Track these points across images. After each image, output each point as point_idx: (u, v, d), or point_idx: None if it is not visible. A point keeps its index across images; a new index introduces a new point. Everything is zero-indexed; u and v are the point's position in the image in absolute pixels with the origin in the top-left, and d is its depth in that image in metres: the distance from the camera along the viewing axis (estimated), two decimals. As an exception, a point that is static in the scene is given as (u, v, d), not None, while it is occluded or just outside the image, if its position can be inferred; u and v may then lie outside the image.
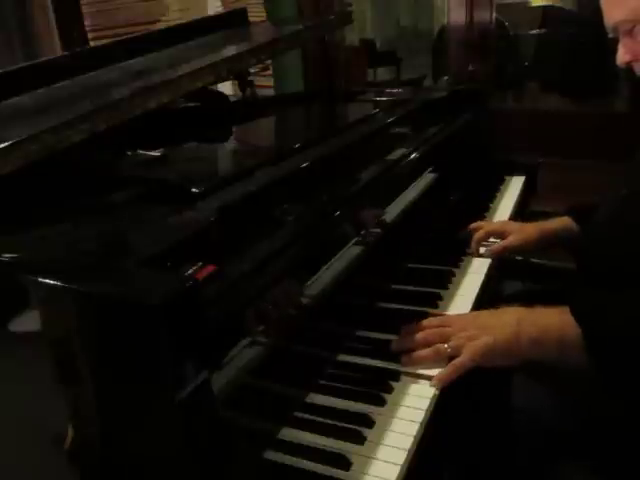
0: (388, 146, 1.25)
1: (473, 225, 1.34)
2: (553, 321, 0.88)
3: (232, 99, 1.60)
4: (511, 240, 1.26)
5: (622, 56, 1.00)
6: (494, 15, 2.58)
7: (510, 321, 0.90)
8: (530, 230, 1.28)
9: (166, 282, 0.60)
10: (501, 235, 1.29)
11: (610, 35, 1.00)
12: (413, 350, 0.92)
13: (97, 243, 0.74)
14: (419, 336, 0.93)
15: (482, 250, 1.28)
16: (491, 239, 1.31)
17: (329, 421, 0.82)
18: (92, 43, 2.02)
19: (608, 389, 0.88)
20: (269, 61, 2.22)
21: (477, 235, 1.29)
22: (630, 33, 0.96)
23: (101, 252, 0.71)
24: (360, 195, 1.04)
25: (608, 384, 0.87)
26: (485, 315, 0.96)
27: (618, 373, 0.85)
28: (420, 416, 0.82)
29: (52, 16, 1.83)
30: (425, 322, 0.96)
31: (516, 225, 1.30)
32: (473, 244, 1.28)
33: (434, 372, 0.89)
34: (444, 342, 0.91)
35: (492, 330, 0.90)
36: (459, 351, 0.89)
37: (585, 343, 0.84)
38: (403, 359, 0.92)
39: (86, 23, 2.01)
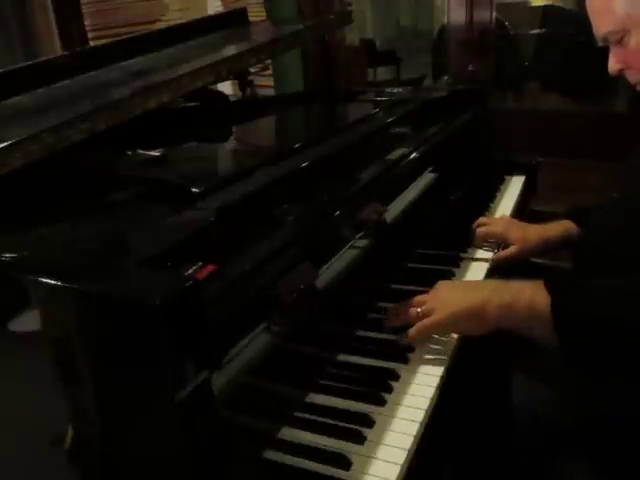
0: (388, 146, 1.25)
1: (481, 220, 1.35)
2: (525, 290, 0.90)
3: (232, 99, 1.60)
4: (512, 251, 1.26)
5: (613, 65, 1.02)
6: (494, 15, 2.57)
7: (483, 288, 0.94)
8: (533, 238, 1.28)
9: (166, 282, 0.60)
10: (503, 240, 1.29)
11: (600, 44, 1.02)
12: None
13: (97, 243, 0.74)
14: (401, 305, 0.99)
15: (483, 250, 1.29)
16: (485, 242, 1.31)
17: (329, 421, 0.82)
18: (92, 43, 2.02)
19: (568, 365, 0.88)
20: (269, 61, 2.22)
21: (479, 233, 1.30)
22: (620, 42, 0.98)
23: (101, 252, 0.71)
24: (360, 195, 1.04)
25: (568, 360, 0.87)
26: (462, 284, 1.00)
27: (580, 350, 0.85)
28: (420, 416, 0.82)
29: (52, 16, 1.83)
30: (416, 297, 1.00)
31: (519, 232, 1.29)
32: (476, 240, 1.30)
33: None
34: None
35: (464, 295, 0.93)
36: (431, 313, 0.93)
37: (552, 314, 0.85)
38: (387, 324, 0.99)
39: (86, 23, 2.02)
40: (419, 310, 0.95)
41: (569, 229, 1.27)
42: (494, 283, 0.97)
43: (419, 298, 0.98)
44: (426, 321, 0.93)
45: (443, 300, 0.94)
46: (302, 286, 0.85)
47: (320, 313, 0.92)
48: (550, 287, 0.88)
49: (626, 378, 0.87)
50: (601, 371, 0.88)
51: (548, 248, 1.29)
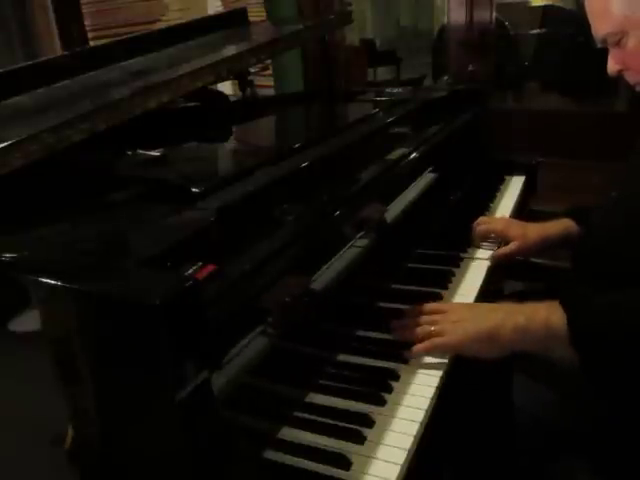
0: (388, 146, 1.25)
1: (481, 219, 1.35)
2: (540, 311, 0.89)
3: (232, 99, 1.60)
4: (512, 248, 1.26)
5: (612, 66, 1.03)
6: (494, 15, 2.57)
7: (497, 311, 0.93)
8: (532, 236, 1.27)
9: (166, 282, 0.60)
10: (503, 238, 1.29)
11: (599, 46, 1.03)
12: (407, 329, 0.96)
13: (97, 243, 0.74)
14: (413, 318, 0.97)
15: (483, 250, 1.29)
16: (492, 235, 1.31)
17: (329, 421, 0.82)
18: (92, 43, 2.02)
19: (590, 383, 0.88)
20: (269, 61, 2.22)
21: (479, 230, 1.30)
22: (618, 43, 0.99)
23: (101, 252, 0.71)
24: (360, 195, 1.04)
25: (589, 378, 0.87)
26: (476, 307, 0.99)
27: (599, 367, 0.85)
28: (420, 416, 0.82)
29: (52, 16, 1.83)
30: (425, 305, 1.00)
31: (519, 230, 1.29)
32: (475, 239, 1.30)
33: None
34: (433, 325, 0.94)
35: (477, 319, 0.92)
36: (443, 334, 0.92)
37: (569, 332, 0.85)
38: (394, 335, 0.98)
39: (86, 23, 2.02)
40: (432, 329, 0.93)
41: (569, 228, 1.27)
42: (508, 306, 0.95)
43: (429, 317, 0.96)
44: (437, 341, 0.92)
45: (456, 322, 0.93)
46: (302, 286, 0.85)
47: (320, 313, 0.92)
48: (566, 305, 0.87)
49: None
50: (622, 387, 0.87)
51: (548, 246, 1.29)
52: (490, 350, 0.90)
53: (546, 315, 0.87)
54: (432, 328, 0.93)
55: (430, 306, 1.00)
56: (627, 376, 0.85)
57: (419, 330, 0.94)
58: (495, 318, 0.90)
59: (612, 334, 0.85)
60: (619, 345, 0.84)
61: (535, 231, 1.28)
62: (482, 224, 1.33)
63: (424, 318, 0.96)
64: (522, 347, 0.90)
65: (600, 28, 0.99)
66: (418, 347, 0.92)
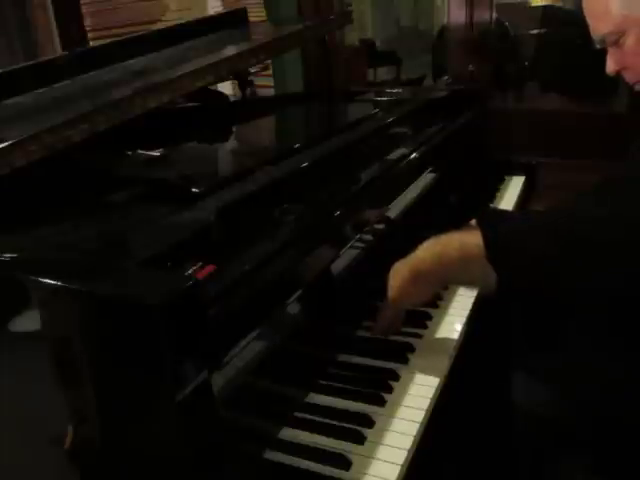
0: (388, 146, 1.25)
1: (474, 222, 1.34)
2: (454, 235, 0.90)
3: (232, 99, 1.60)
4: None
5: (611, 66, 1.03)
6: (494, 15, 2.58)
7: (419, 248, 0.94)
8: None
9: (166, 282, 0.60)
10: None
11: (597, 46, 1.03)
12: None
13: (97, 243, 0.74)
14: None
15: None
16: None
17: (329, 421, 0.82)
18: (92, 43, 2.02)
19: (507, 299, 0.89)
20: (269, 61, 2.22)
21: None
22: (617, 43, 0.99)
23: (101, 252, 0.71)
24: (360, 195, 1.04)
25: (505, 295, 0.88)
26: (404, 259, 0.98)
27: (516, 281, 0.85)
28: (420, 416, 0.82)
29: (52, 16, 1.83)
30: None
31: None
32: None
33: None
34: None
35: (402, 266, 0.94)
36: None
37: (484, 246, 0.84)
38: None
39: (86, 23, 2.01)
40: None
41: None
42: (427, 242, 0.95)
43: None
44: (383, 305, 0.95)
45: (389, 282, 0.95)
46: (302, 286, 0.85)
47: (320, 313, 0.92)
48: (480, 221, 0.88)
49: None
50: (538, 299, 0.89)
51: None
52: (420, 289, 0.93)
53: (460, 237, 0.89)
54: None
55: None
56: (545, 289, 0.86)
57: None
58: (415, 258, 0.92)
59: (528, 242, 0.84)
60: (535, 253, 0.83)
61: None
62: None
63: None
64: (444, 276, 0.91)
65: (599, 28, 1.00)
66: (375, 324, 0.97)
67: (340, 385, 0.89)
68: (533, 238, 0.84)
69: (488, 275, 0.85)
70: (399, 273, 0.94)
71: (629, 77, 1.02)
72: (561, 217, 0.85)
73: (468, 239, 0.87)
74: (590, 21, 1.01)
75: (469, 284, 0.90)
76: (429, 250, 0.91)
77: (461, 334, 1.01)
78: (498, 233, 0.86)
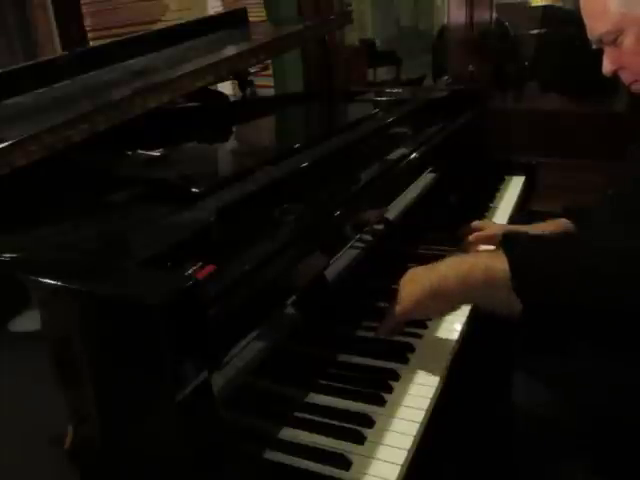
0: (388, 146, 1.25)
1: (475, 223, 1.33)
2: (481, 257, 0.90)
3: (232, 99, 1.60)
4: None
5: (607, 66, 1.02)
6: (494, 15, 2.58)
7: (440, 266, 0.92)
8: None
9: (166, 282, 0.60)
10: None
11: (594, 46, 1.02)
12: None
13: (97, 243, 0.74)
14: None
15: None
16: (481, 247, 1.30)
17: (329, 421, 0.82)
18: (92, 43, 2.02)
19: (531, 330, 0.88)
20: (269, 61, 2.22)
21: (469, 240, 1.29)
22: (614, 43, 0.98)
23: (101, 252, 0.71)
24: (360, 195, 1.04)
25: (530, 320, 0.86)
26: (420, 268, 0.97)
27: (541, 312, 0.84)
28: (420, 416, 0.82)
29: (52, 16, 1.83)
30: None
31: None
32: (467, 248, 1.28)
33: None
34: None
35: (422, 278, 0.92)
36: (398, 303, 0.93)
37: (510, 274, 0.83)
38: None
39: (86, 23, 2.02)
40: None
41: (566, 227, 1.27)
42: (450, 259, 0.94)
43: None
44: (392, 311, 0.93)
45: (404, 288, 0.94)
46: (302, 286, 0.85)
47: (320, 313, 0.92)
48: (506, 246, 0.86)
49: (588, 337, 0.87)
50: (563, 331, 0.87)
51: None
52: (436, 305, 0.91)
53: (486, 261, 0.87)
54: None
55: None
56: (570, 321, 0.84)
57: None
58: (438, 273, 0.91)
59: (554, 273, 0.83)
60: (562, 285, 0.82)
61: (535, 230, 1.28)
62: (475, 230, 1.31)
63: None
64: (467, 297, 0.90)
65: (596, 27, 0.99)
66: (380, 326, 0.95)
67: (340, 385, 0.89)
68: (558, 270, 0.83)
69: (513, 300, 0.83)
70: (417, 284, 0.92)
71: (626, 77, 1.02)
72: (584, 249, 0.85)
73: (494, 264, 0.85)
74: (587, 20, 1.01)
75: (492, 307, 0.88)
76: (453, 268, 0.89)
77: (461, 334, 1.01)
78: (524, 263, 0.84)
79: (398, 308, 0.93)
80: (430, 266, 0.94)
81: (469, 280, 0.87)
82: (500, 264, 0.85)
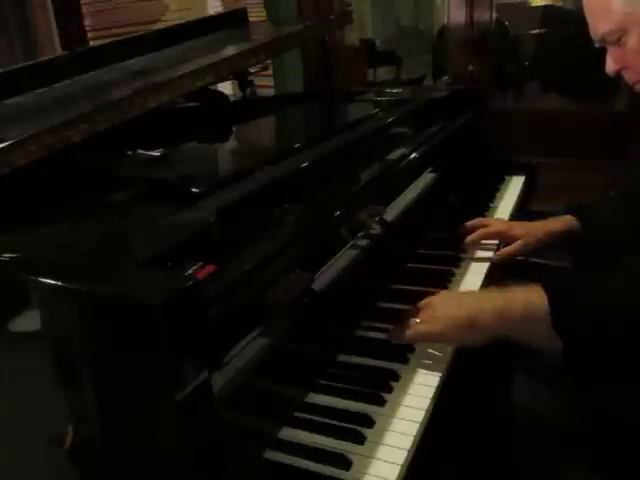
0: (388, 146, 1.25)
1: (479, 220, 1.33)
2: (518, 293, 0.88)
3: (232, 99, 1.60)
4: (517, 247, 1.26)
5: (611, 65, 1.02)
6: (494, 15, 2.57)
7: (479, 296, 0.93)
8: (537, 232, 1.27)
9: (166, 282, 0.60)
10: (507, 238, 1.28)
11: (597, 45, 1.02)
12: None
13: (97, 243, 0.74)
14: (405, 318, 0.96)
15: (482, 250, 1.29)
16: (484, 242, 1.30)
17: (329, 421, 0.82)
18: (92, 43, 2.02)
19: (571, 371, 0.87)
20: (269, 61, 2.22)
21: (477, 235, 1.29)
22: (618, 42, 0.98)
23: (101, 252, 0.71)
24: (360, 195, 1.04)
25: (571, 364, 0.85)
26: (456, 294, 0.98)
27: (581, 350, 0.83)
28: (420, 416, 0.82)
29: (52, 16, 1.83)
30: (417, 305, 0.98)
31: (523, 228, 1.29)
32: (469, 243, 1.29)
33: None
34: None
35: (457, 306, 0.91)
36: (426, 323, 0.92)
37: (550, 310, 0.83)
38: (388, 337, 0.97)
39: (86, 23, 2.02)
40: (417, 320, 0.93)
41: (572, 224, 1.27)
42: (487, 292, 0.95)
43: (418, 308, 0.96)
44: (420, 329, 0.92)
45: (437, 311, 0.92)
46: (302, 286, 0.85)
47: (320, 313, 0.92)
48: (546, 283, 0.86)
49: (629, 378, 0.86)
50: (603, 369, 0.86)
51: (552, 242, 1.28)
52: (472, 336, 0.90)
53: (525, 296, 0.87)
54: (418, 320, 0.93)
55: (420, 303, 0.98)
56: (611, 355, 0.83)
57: (404, 323, 0.94)
58: (475, 303, 0.90)
59: (593, 308, 0.83)
60: (603, 324, 0.81)
61: (539, 227, 1.28)
62: (481, 226, 1.31)
63: (413, 313, 0.95)
64: (503, 331, 0.88)
65: (600, 26, 0.99)
66: (397, 333, 0.93)
67: (340, 385, 0.89)
68: (597, 310, 0.83)
69: (553, 335, 0.83)
70: (452, 310, 0.91)
71: (629, 77, 1.02)
72: (623, 284, 0.85)
73: (534, 299, 0.85)
74: (590, 20, 1.01)
75: (530, 341, 0.88)
76: (490, 303, 0.89)
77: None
78: (564, 300, 0.84)
79: (429, 329, 0.91)
80: (467, 294, 0.95)
81: (507, 314, 0.87)
82: (539, 299, 0.84)
